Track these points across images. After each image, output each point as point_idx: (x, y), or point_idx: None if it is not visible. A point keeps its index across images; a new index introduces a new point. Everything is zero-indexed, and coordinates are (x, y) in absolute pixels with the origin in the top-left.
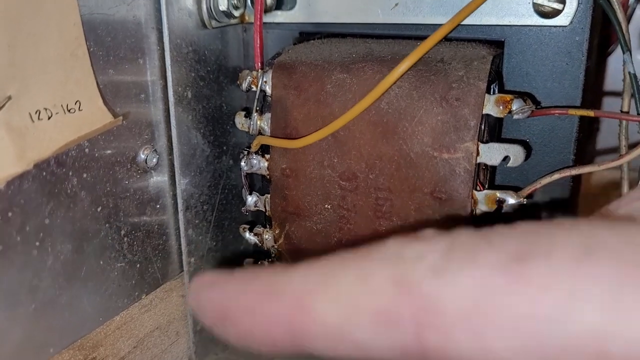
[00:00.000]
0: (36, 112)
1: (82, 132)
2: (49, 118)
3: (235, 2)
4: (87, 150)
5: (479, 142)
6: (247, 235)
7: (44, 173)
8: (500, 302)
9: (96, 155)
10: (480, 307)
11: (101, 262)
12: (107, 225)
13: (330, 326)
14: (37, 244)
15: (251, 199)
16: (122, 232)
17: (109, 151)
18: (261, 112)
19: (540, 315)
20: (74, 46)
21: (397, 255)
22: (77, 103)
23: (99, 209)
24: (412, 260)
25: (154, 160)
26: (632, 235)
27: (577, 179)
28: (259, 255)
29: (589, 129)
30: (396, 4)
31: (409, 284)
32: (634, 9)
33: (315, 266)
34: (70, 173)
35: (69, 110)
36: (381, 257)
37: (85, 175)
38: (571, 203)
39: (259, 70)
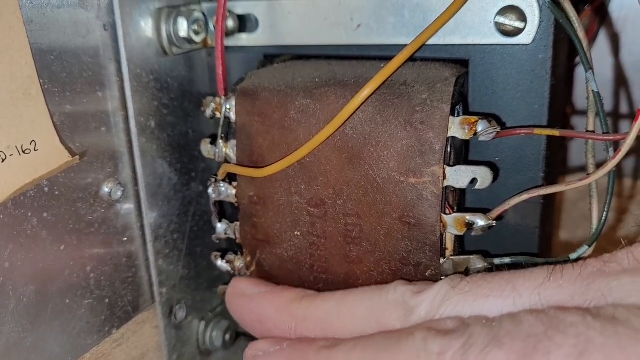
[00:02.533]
0: None
1: (39, 173)
2: (3, 161)
3: (196, 27)
4: (46, 189)
5: (446, 166)
6: (219, 262)
7: (1, 216)
8: None
9: (56, 193)
10: None
11: (67, 301)
12: (71, 262)
13: None
14: None
15: (221, 227)
16: (88, 269)
17: (70, 188)
18: (226, 139)
19: None
20: (26, 85)
21: (423, 348)
22: (33, 143)
23: (62, 248)
24: (435, 355)
25: (119, 193)
26: (620, 337)
27: (549, 194)
28: None
29: (560, 141)
30: (359, 25)
31: None
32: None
33: (355, 349)
34: (30, 214)
35: (24, 152)
36: (409, 350)
37: (45, 215)
38: (544, 218)
39: (223, 96)
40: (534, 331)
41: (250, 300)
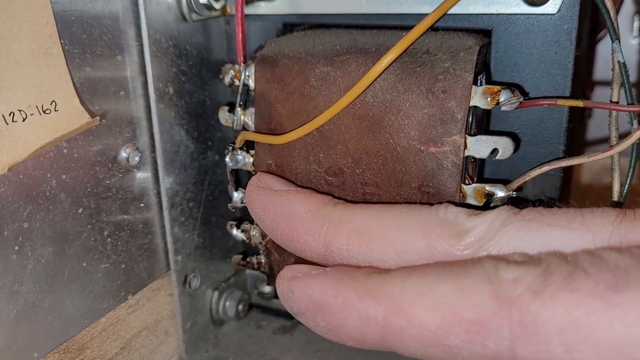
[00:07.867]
0: (10, 114)
1: (59, 133)
2: (24, 120)
3: None
4: (65, 151)
5: (467, 135)
6: (235, 232)
7: (21, 176)
8: (597, 323)
9: (75, 155)
10: (577, 325)
11: (84, 264)
12: (89, 226)
13: (426, 330)
14: (17, 248)
15: (237, 195)
16: (105, 233)
17: (88, 151)
18: (245, 107)
19: (635, 338)
20: (47, 45)
21: (494, 275)
22: (53, 103)
23: (80, 211)
24: (511, 281)
25: (136, 158)
26: None
27: (568, 168)
28: (247, 252)
29: (580, 116)
30: None
31: (509, 300)
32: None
33: (413, 273)
34: (49, 175)
35: (44, 111)
36: (478, 275)
37: (64, 177)
38: (563, 192)
39: (242, 64)
40: (621, 264)
41: (278, 195)
